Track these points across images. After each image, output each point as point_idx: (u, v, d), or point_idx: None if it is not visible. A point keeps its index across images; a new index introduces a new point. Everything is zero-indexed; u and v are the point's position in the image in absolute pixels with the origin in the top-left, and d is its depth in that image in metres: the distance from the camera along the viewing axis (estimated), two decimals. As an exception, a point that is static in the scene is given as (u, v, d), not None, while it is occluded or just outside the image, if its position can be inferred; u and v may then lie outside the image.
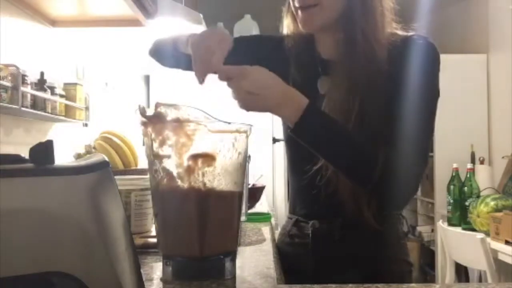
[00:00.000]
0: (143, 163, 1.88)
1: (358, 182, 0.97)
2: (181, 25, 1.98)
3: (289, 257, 1.14)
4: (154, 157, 0.76)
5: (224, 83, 0.90)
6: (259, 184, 1.83)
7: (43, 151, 0.47)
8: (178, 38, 1.12)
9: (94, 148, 1.85)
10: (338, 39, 1.05)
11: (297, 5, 1.03)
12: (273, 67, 0.94)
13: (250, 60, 0.97)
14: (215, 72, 0.90)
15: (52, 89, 1.78)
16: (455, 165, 3.11)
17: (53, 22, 1.91)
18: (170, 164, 0.74)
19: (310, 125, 0.92)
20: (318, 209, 1.10)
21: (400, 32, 1.05)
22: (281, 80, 0.91)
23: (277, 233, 1.30)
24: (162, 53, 1.22)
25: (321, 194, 1.06)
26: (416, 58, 1.01)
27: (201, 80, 0.91)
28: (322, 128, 0.93)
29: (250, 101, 0.89)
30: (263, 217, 1.49)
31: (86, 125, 2.09)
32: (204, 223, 0.74)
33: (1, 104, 1.45)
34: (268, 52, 1.16)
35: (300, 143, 1.04)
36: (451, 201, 3.03)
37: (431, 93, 1.01)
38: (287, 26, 1.13)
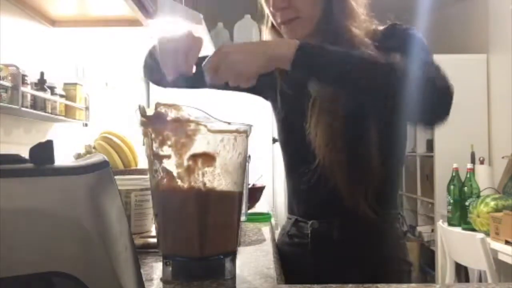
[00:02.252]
0: (143, 163, 1.88)
1: (380, 93, 0.90)
2: (181, 25, 1.98)
3: (289, 257, 1.14)
4: (154, 157, 0.76)
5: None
6: (259, 184, 1.83)
7: (43, 151, 0.47)
8: (153, 51, 1.14)
9: (94, 148, 1.85)
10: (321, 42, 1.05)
11: (278, 21, 1.06)
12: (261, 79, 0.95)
13: None
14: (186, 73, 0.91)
15: (52, 89, 1.78)
16: (455, 165, 3.11)
17: (53, 22, 1.91)
18: (170, 164, 0.74)
19: (308, 54, 0.88)
20: (316, 209, 1.11)
21: (380, 27, 1.07)
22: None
23: (277, 233, 1.30)
24: (148, 71, 1.23)
25: (318, 193, 1.07)
26: (401, 43, 0.99)
27: (170, 78, 0.92)
28: (322, 52, 0.89)
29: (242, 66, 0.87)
30: (263, 217, 1.49)
31: (86, 125, 2.09)
32: (204, 223, 0.74)
33: (1, 104, 1.45)
34: None
35: (296, 144, 1.04)
36: (451, 201, 3.03)
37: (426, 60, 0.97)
38: (269, 36, 1.14)
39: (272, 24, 1.11)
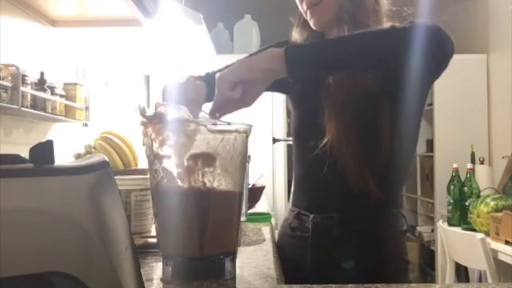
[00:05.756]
0: (143, 163, 1.88)
1: (385, 57, 0.93)
2: (181, 25, 1.98)
3: (289, 249, 1.15)
4: (154, 157, 0.76)
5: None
6: (259, 184, 1.83)
7: (43, 151, 0.47)
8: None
9: (94, 148, 1.85)
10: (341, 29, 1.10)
11: (305, 7, 1.13)
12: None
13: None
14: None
15: (52, 89, 1.78)
16: (455, 165, 3.11)
17: (53, 22, 1.91)
18: (170, 164, 0.74)
19: (300, 52, 0.88)
20: (319, 201, 1.12)
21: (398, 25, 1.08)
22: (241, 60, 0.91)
23: (277, 233, 1.31)
24: None
25: (324, 180, 1.08)
26: (417, 46, 1.02)
27: None
28: (315, 48, 0.91)
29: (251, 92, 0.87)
30: (263, 217, 1.49)
31: (86, 125, 2.09)
32: (204, 223, 0.75)
33: (1, 104, 1.45)
34: None
35: (308, 129, 1.12)
36: (451, 201, 3.02)
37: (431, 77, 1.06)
38: (298, 33, 1.20)
39: (303, 21, 1.19)
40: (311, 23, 1.14)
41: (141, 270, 0.57)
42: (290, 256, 1.13)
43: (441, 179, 3.56)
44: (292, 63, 0.85)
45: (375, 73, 1.03)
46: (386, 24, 1.09)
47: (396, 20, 1.09)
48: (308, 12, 1.13)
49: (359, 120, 1.05)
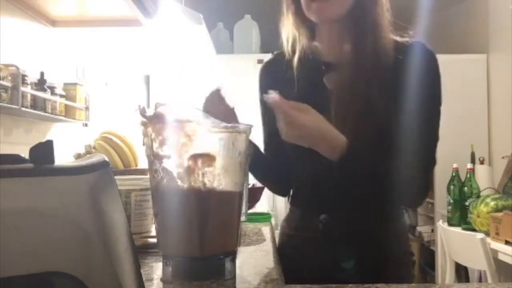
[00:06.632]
0: (143, 163, 1.88)
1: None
2: (181, 25, 1.98)
3: (289, 249, 1.15)
4: (154, 157, 0.76)
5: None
6: (259, 184, 1.82)
7: (43, 151, 0.47)
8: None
9: (94, 148, 1.85)
10: (347, 32, 1.08)
11: None
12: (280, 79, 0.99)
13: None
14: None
15: (52, 89, 1.78)
16: (455, 165, 3.10)
17: (53, 22, 1.91)
18: (170, 164, 0.74)
19: (351, 160, 0.99)
20: (321, 200, 1.11)
21: (399, 39, 1.09)
22: (324, 119, 0.97)
23: (277, 233, 1.30)
24: None
25: (332, 180, 1.07)
26: (418, 67, 1.06)
27: None
28: (360, 163, 1.01)
29: (298, 134, 0.95)
30: (263, 217, 1.49)
31: (86, 125, 2.09)
32: (204, 223, 0.75)
33: (1, 104, 1.45)
34: (274, 74, 1.19)
35: None
36: (451, 201, 3.02)
37: (434, 103, 1.13)
38: (291, 27, 1.14)
39: (296, 8, 1.10)
40: (314, 15, 1.05)
41: (141, 270, 0.57)
42: (290, 256, 1.13)
43: (441, 179, 3.56)
44: (345, 159, 0.98)
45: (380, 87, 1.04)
46: (391, 38, 1.08)
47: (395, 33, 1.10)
48: (313, 5, 1.04)
49: (363, 120, 1.04)
